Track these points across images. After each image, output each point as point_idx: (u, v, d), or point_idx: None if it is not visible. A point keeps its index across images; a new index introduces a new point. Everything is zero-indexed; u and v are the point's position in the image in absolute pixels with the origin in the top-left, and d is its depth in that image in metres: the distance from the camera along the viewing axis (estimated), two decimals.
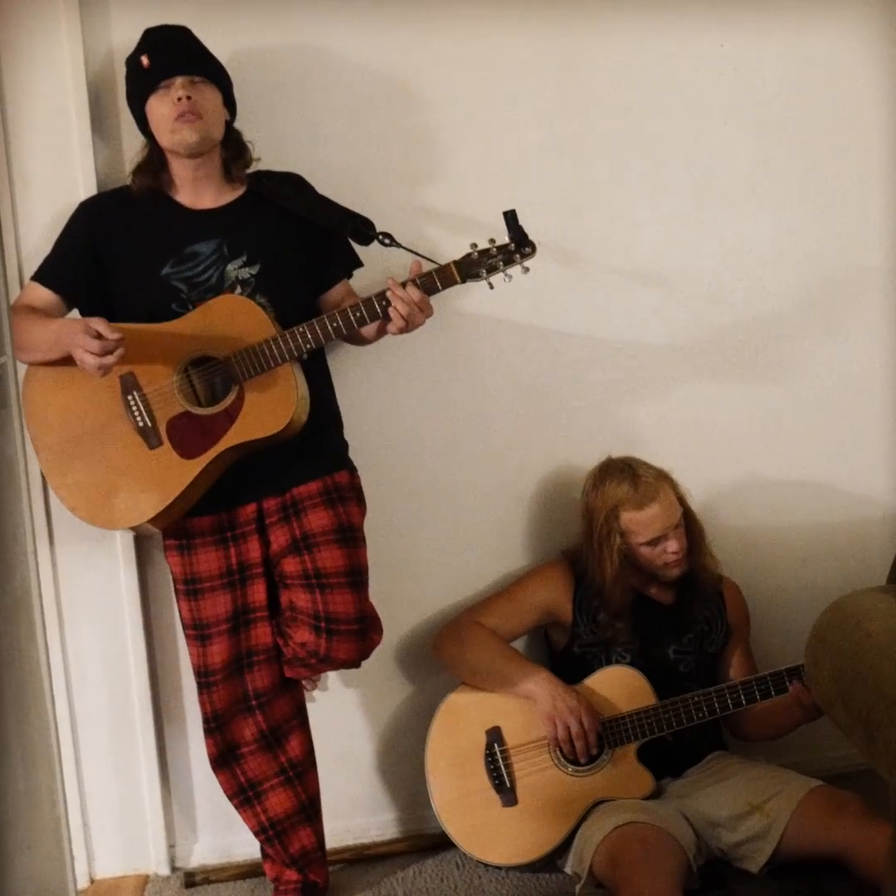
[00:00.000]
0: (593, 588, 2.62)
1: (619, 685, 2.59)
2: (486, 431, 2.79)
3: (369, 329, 2.37)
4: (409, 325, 2.32)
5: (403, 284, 2.29)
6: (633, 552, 2.58)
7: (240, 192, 2.43)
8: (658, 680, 2.58)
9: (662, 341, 2.81)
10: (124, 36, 2.48)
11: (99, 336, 2.21)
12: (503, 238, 2.28)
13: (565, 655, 2.67)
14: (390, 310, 2.29)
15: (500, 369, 2.77)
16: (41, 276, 2.43)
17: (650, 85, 2.73)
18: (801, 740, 2.63)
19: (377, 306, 2.30)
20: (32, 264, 2.46)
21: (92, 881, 2.77)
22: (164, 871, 2.77)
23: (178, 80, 2.30)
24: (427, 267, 2.32)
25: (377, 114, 2.64)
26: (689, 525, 2.62)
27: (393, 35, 2.62)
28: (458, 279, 2.30)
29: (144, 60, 2.32)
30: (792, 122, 2.79)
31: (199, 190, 2.40)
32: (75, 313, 2.45)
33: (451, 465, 2.79)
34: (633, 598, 2.62)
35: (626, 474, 2.57)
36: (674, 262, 2.79)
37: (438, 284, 2.30)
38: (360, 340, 2.46)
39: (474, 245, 2.29)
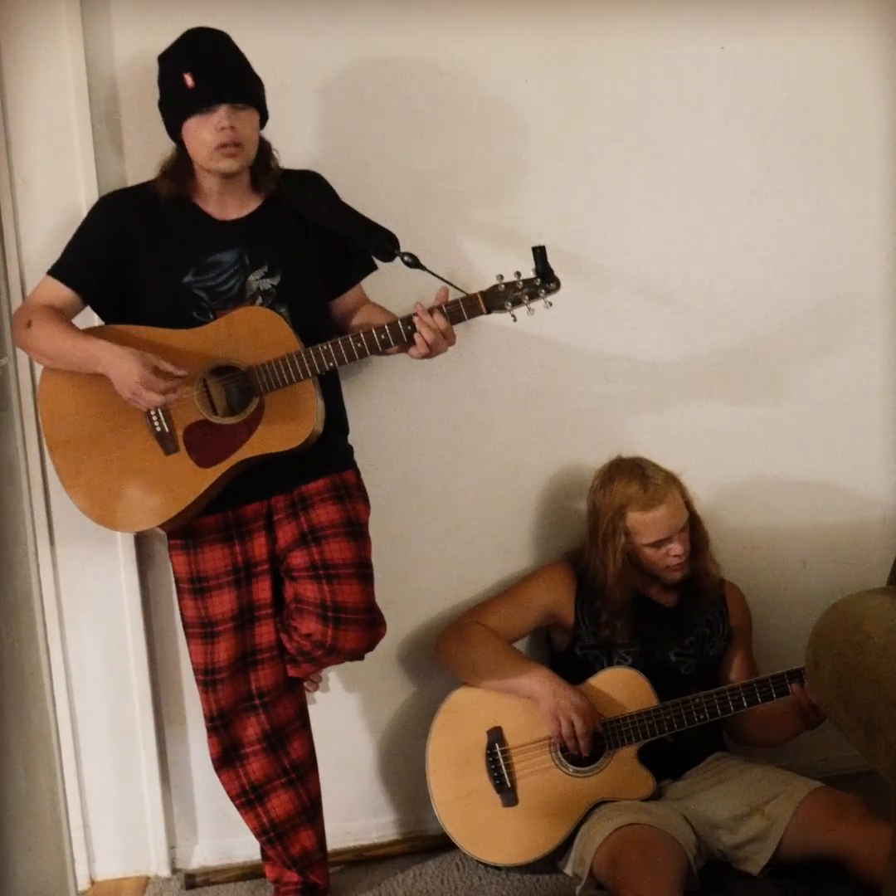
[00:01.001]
0: (595, 587, 2.61)
1: (620, 686, 2.59)
2: (488, 435, 2.79)
3: (391, 348, 2.36)
4: (432, 352, 2.32)
5: (430, 311, 2.30)
6: (637, 552, 2.57)
7: (261, 199, 2.40)
8: (659, 682, 2.58)
9: (663, 345, 2.81)
10: (126, 37, 2.50)
11: (156, 372, 2.20)
12: (528, 271, 2.30)
13: (567, 657, 2.67)
14: (416, 335, 2.30)
15: (501, 373, 2.77)
16: (59, 272, 2.37)
17: (650, 85, 2.73)
18: (801, 742, 2.63)
19: (402, 330, 2.31)
20: (33, 265, 2.46)
21: (92, 882, 2.77)
22: (165, 872, 2.77)
23: (223, 109, 2.24)
24: (444, 291, 2.33)
25: (376, 113, 2.64)
26: (694, 529, 2.61)
27: (392, 35, 2.62)
28: (484, 310, 2.31)
29: (189, 80, 2.24)
30: (792, 122, 2.79)
31: (225, 202, 2.37)
32: (87, 313, 2.43)
33: (453, 467, 2.78)
34: (633, 597, 2.61)
35: (635, 474, 2.57)
36: (674, 265, 2.79)
37: (464, 314, 2.32)
38: (378, 354, 2.45)
39: (500, 276, 2.31)
